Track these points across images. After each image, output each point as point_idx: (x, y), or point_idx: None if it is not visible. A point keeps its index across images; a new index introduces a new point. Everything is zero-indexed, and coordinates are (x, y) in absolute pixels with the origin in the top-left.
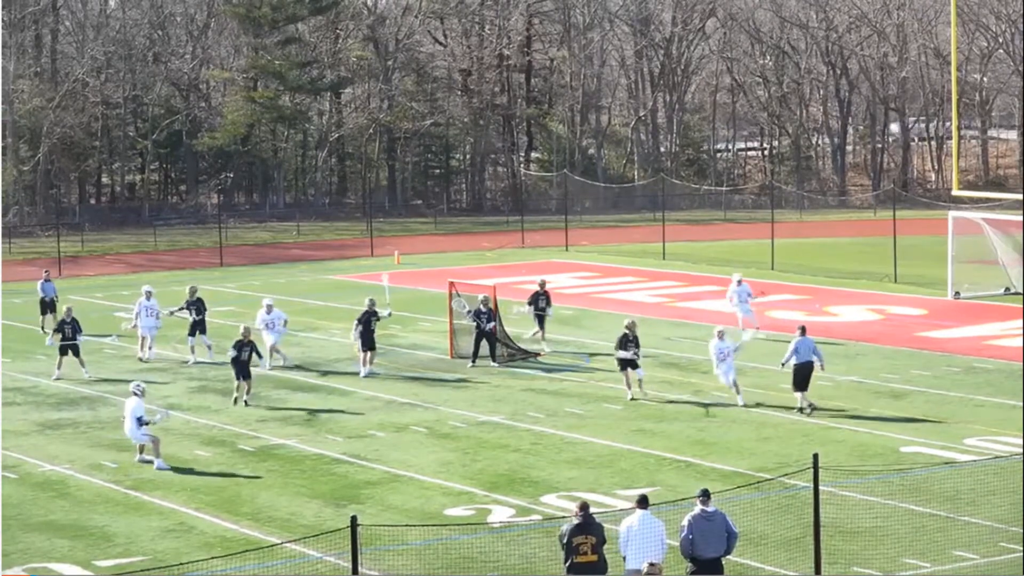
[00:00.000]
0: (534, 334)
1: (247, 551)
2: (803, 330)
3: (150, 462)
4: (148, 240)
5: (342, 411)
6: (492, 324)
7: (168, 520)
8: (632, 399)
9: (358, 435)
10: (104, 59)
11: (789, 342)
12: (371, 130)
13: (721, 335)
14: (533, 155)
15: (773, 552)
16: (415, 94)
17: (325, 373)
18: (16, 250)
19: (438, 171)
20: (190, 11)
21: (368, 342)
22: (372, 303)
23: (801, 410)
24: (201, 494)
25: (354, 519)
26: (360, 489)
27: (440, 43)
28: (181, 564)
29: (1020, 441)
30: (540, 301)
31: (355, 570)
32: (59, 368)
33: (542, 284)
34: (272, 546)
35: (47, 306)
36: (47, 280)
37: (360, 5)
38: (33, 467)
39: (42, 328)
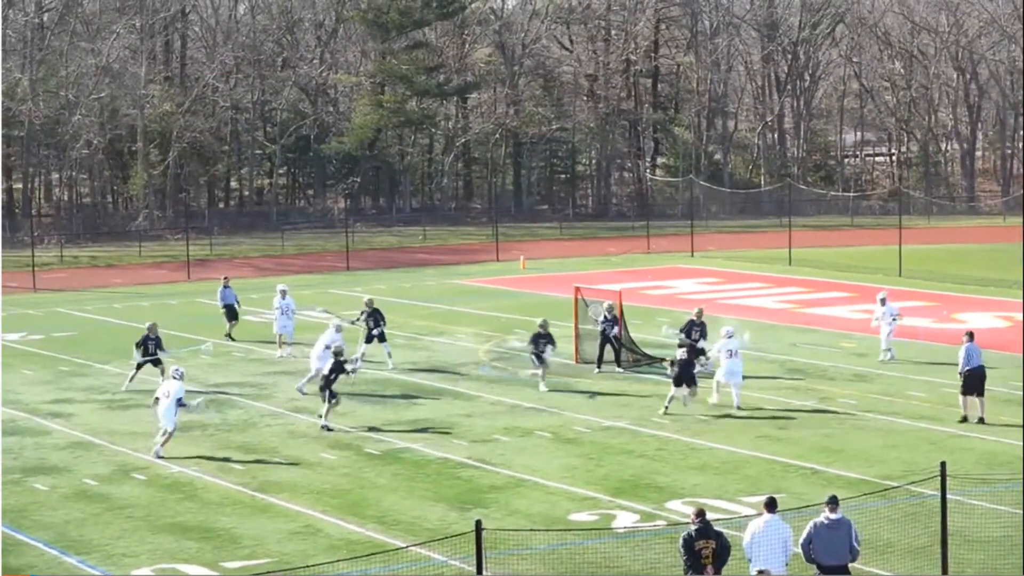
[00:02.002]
0: None
1: (373, 554)
2: (971, 335)
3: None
4: (276, 244)
5: (467, 415)
6: (616, 329)
7: (295, 522)
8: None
9: (483, 439)
10: (233, 64)
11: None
12: (497, 135)
13: (730, 334)
14: (659, 160)
15: (899, 560)
16: (541, 99)
17: (451, 377)
18: (146, 253)
19: (564, 176)
20: (318, 16)
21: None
22: (545, 324)
23: (966, 419)
24: (327, 497)
25: (479, 523)
26: (485, 493)
27: (566, 48)
28: (307, 566)
29: None
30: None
31: (480, 574)
32: (130, 381)
33: None
34: (397, 549)
35: (232, 313)
36: (226, 287)
37: (487, 10)
38: (162, 469)
39: (228, 336)
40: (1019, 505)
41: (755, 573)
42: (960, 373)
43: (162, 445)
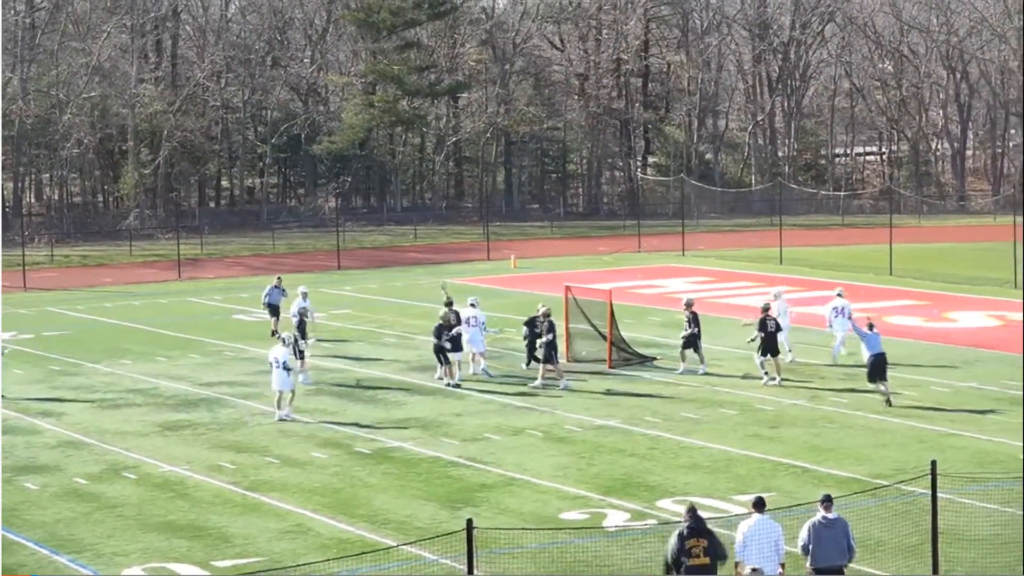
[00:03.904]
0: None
1: (363, 553)
2: (871, 325)
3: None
4: (267, 243)
5: (458, 414)
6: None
7: (285, 521)
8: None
9: (474, 438)
10: (224, 64)
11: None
12: (488, 134)
13: (840, 293)
14: (650, 160)
15: (890, 559)
16: (532, 98)
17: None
18: (136, 252)
19: (555, 175)
20: (309, 16)
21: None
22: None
23: (889, 401)
24: (318, 496)
25: (470, 522)
26: (476, 492)
27: (557, 48)
28: (298, 565)
29: None
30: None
31: (470, 573)
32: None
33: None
34: (388, 548)
35: (275, 311)
36: (276, 286)
37: (478, 10)
38: (152, 468)
39: (273, 332)
40: (1009, 503)
41: (748, 572)
42: (866, 361)
43: (289, 404)
